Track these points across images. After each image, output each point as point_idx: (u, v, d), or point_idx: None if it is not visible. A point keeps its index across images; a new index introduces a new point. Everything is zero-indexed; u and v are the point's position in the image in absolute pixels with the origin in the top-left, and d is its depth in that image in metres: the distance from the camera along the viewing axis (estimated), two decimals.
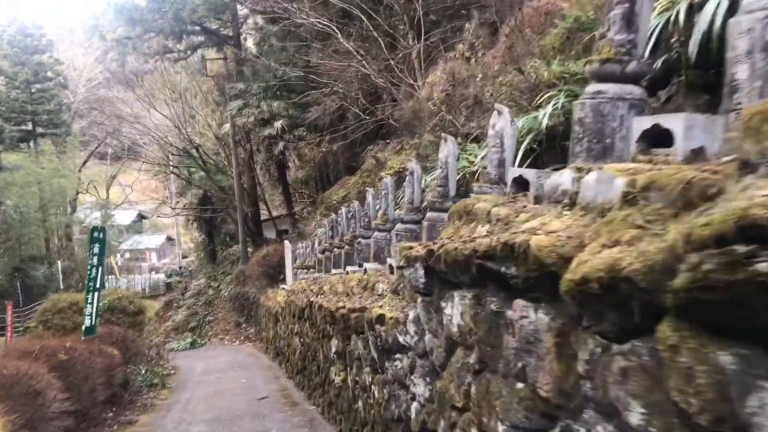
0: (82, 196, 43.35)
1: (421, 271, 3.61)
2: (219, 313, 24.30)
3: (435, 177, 6.18)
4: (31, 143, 42.26)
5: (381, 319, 4.60)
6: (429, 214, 5.69)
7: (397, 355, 4.37)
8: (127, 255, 61.26)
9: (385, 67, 14.66)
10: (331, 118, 18.66)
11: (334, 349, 6.88)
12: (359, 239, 8.71)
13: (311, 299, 8.29)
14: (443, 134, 5.79)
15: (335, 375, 6.79)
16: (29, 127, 42.29)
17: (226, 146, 25.85)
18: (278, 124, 20.38)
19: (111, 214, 44.49)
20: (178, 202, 30.17)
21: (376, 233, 7.76)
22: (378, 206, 8.91)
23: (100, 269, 8.29)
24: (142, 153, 27.29)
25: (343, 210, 10.59)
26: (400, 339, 4.18)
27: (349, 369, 6.12)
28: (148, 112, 25.85)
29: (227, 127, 22.84)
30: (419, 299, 3.77)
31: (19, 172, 37.20)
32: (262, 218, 27.23)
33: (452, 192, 5.70)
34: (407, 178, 6.77)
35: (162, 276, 44.91)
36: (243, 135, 23.35)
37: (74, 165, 40.62)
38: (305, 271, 14.66)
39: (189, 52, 26.08)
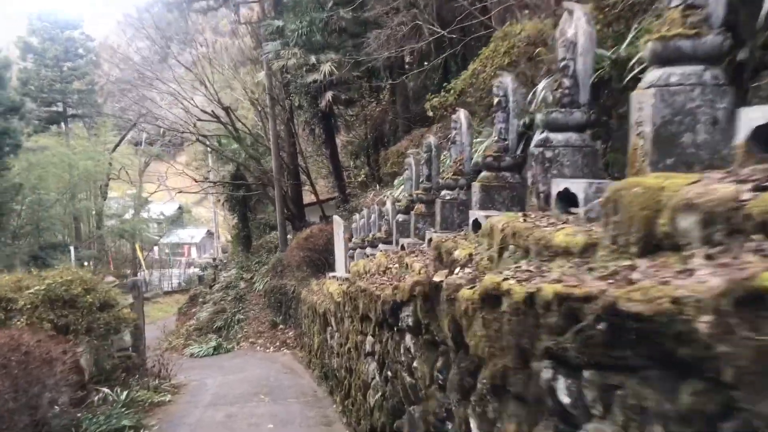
0: (114, 183, 39.24)
1: None
2: (251, 311, 19.30)
3: None
4: (62, 125, 38.46)
5: None
6: None
7: None
8: (167, 249, 57.97)
9: None
10: (394, 53, 13.39)
11: None
12: (550, 141, 3.38)
13: (434, 279, 2.98)
14: None
15: None
16: (59, 108, 38.51)
17: (263, 113, 20.85)
18: (326, 67, 15.22)
19: (146, 200, 40.40)
20: (207, 178, 25.26)
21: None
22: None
23: None
24: (167, 120, 22.39)
25: (462, 116, 5.26)
26: None
27: None
28: (171, 69, 21.04)
29: (261, 76, 17.84)
30: None
31: (43, 153, 33.29)
32: (304, 202, 22.26)
33: None
34: None
35: (197, 270, 40.72)
36: (281, 90, 18.31)
37: (105, 149, 36.49)
38: (369, 248, 9.42)
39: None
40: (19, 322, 6.23)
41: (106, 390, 8.69)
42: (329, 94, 15.68)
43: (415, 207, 6.34)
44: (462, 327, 2.62)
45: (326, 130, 17.07)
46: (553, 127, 3.33)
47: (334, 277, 11.33)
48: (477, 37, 11.01)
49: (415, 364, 3.59)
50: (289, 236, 21.12)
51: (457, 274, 2.90)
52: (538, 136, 3.45)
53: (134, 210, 38.23)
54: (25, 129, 37.34)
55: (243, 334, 17.86)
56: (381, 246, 8.30)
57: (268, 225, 26.35)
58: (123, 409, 7.39)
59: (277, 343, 16.28)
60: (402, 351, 3.86)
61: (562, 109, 3.29)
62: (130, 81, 31.01)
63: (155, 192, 42.05)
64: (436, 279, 2.94)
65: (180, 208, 63.70)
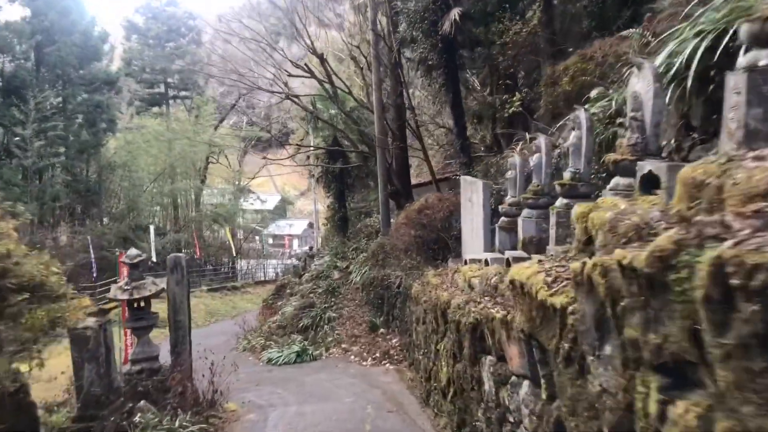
0: (214, 168, 36.90)
1: None
2: (345, 308, 15.03)
3: None
4: (163, 106, 36.77)
5: None
6: None
7: None
8: (270, 240, 56.89)
9: None
10: None
11: None
12: None
13: None
14: None
15: None
16: (161, 89, 36.86)
17: (367, 63, 16.54)
18: None
19: (245, 187, 37.97)
20: (305, 154, 21.15)
21: None
22: None
23: None
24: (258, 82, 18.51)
25: None
26: None
27: None
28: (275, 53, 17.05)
29: None
30: None
31: (139, 132, 31.42)
32: (412, 183, 17.78)
33: None
34: None
35: (295, 260, 37.83)
36: (388, 28, 13.85)
37: (205, 131, 34.11)
38: (567, 198, 4.59)
39: None
40: None
41: None
42: (455, 12, 10.95)
43: None
44: None
45: (448, 68, 12.24)
46: None
47: (474, 260, 6.63)
48: None
49: None
50: (392, 220, 16.75)
51: None
52: None
53: (232, 195, 35.81)
54: (127, 109, 36.14)
55: (334, 337, 13.59)
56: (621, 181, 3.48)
57: (368, 214, 22.15)
58: None
59: (377, 354, 11.81)
60: None
61: None
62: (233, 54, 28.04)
63: (254, 177, 39.58)
64: None
65: (282, 199, 62.38)
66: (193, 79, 36.64)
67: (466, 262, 6.72)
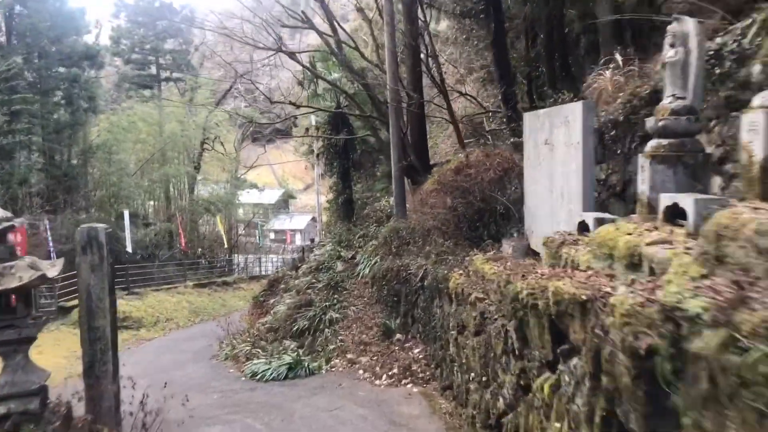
0: (210, 158, 33.63)
1: None
2: (351, 307, 11.82)
3: None
4: (155, 89, 33.53)
5: None
6: None
7: None
8: (272, 235, 54.95)
9: None
10: None
11: None
12: None
13: None
14: None
15: None
16: (152, 70, 33.66)
17: (377, 10, 13.34)
18: None
19: (242, 178, 34.89)
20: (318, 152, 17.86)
21: None
22: None
23: None
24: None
25: None
26: None
27: None
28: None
29: None
30: None
31: (125, 113, 28.32)
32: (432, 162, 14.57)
33: None
34: None
35: (295, 254, 34.83)
36: None
37: (199, 114, 30.86)
38: None
39: None
40: None
41: None
42: None
43: None
44: None
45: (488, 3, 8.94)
46: None
47: (603, 220, 3.48)
48: None
49: None
50: (407, 205, 13.56)
51: None
52: None
53: (228, 183, 32.70)
54: (117, 91, 33.09)
55: (337, 344, 10.42)
56: None
57: (367, 201, 18.82)
58: None
59: (394, 369, 8.62)
60: None
61: None
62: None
63: (252, 166, 36.49)
64: None
65: (284, 192, 59.81)
66: (187, 60, 33.47)
67: (582, 225, 3.55)
